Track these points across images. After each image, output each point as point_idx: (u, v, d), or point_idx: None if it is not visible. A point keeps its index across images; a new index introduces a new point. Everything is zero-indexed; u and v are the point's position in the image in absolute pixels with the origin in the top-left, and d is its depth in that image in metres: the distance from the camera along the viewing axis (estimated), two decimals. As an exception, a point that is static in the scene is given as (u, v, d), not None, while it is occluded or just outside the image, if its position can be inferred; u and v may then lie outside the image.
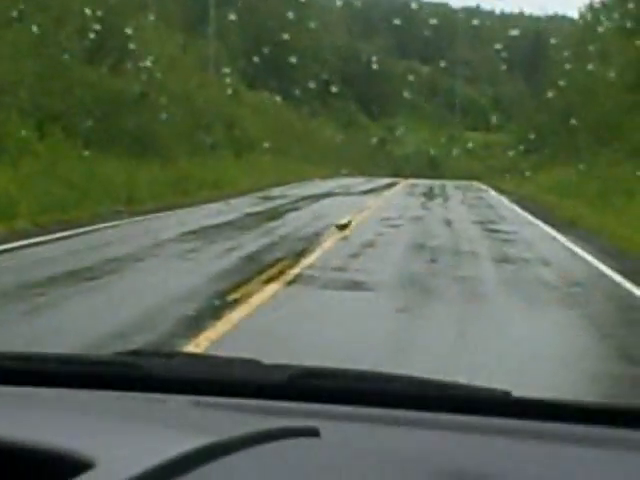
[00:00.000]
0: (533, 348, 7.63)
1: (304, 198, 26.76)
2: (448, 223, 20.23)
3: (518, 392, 1.81)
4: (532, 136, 44.23)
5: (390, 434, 1.67)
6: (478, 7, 72.48)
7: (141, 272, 11.15)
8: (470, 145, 60.18)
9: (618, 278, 11.77)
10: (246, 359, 1.94)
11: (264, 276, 10.57)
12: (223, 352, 6.46)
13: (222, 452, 1.33)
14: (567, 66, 39.94)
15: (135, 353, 2.04)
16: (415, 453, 1.55)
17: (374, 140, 59.52)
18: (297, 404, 1.76)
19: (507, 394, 1.76)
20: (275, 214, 20.62)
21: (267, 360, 1.95)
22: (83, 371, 1.92)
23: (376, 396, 1.81)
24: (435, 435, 1.68)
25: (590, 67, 35.23)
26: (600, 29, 37.87)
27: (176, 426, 1.52)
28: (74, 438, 1.34)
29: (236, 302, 8.94)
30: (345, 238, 15.23)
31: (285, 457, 1.41)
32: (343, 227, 16.04)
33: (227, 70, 41.82)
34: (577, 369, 7.21)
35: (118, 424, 1.51)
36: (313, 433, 1.51)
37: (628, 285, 11.23)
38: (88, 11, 27.44)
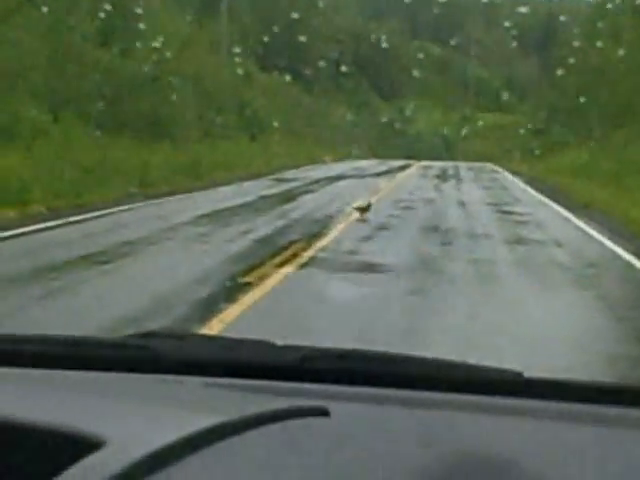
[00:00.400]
0: (546, 329, 7.64)
1: (317, 181, 26.74)
2: (462, 204, 20.18)
3: (530, 373, 1.82)
4: (544, 116, 44.02)
5: (400, 415, 1.68)
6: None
7: (155, 255, 11.18)
8: (481, 124, 59.96)
9: (631, 259, 11.75)
10: (257, 340, 1.96)
11: (278, 259, 10.59)
12: (236, 334, 6.51)
13: (232, 432, 1.35)
14: (577, 44, 39.75)
15: (147, 335, 2.05)
16: (425, 434, 1.56)
17: (385, 120, 59.37)
18: (308, 385, 1.78)
19: (519, 374, 1.77)
20: (289, 196, 20.62)
21: (280, 341, 1.96)
22: (95, 354, 1.94)
23: (387, 377, 1.82)
24: (446, 416, 1.69)
25: (600, 45, 35.02)
26: (611, 6, 37.57)
27: (187, 407, 1.54)
28: (86, 419, 1.36)
29: (250, 285, 8.97)
30: (359, 220, 15.24)
31: (294, 436, 1.43)
32: (363, 210, 15.71)
33: (238, 51, 41.72)
34: (591, 350, 7.21)
35: (130, 405, 1.53)
36: (323, 413, 1.53)
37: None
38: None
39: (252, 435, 1.36)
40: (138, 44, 31.10)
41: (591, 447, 1.60)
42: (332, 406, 1.53)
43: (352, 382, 1.76)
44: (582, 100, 35.73)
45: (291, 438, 1.41)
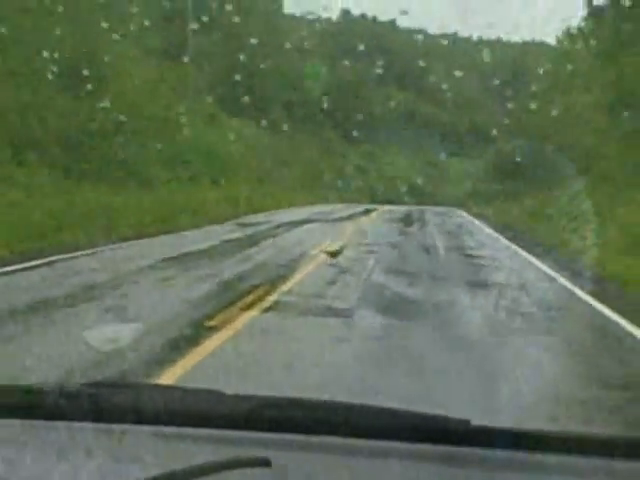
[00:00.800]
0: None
1: (282, 225, 26.78)
2: (426, 250, 20.29)
3: (478, 420, 1.82)
4: (508, 162, 44.43)
5: (344, 463, 1.70)
6: (456, 34, 72.72)
7: (118, 299, 11.12)
8: (447, 169, 60.32)
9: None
10: (209, 390, 1.96)
11: (241, 303, 10.58)
12: (195, 381, 6.47)
13: None
14: (540, 87, 40.25)
15: (97, 384, 2.05)
16: None
17: (353, 166, 59.60)
18: (256, 434, 1.79)
19: (466, 422, 1.78)
20: (254, 240, 20.62)
21: (238, 389, 1.97)
22: (42, 402, 1.93)
23: (333, 426, 1.83)
24: (390, 464, 1.70)
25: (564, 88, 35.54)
26: (577, 53, 38.25)
27: (130, 458, 1.54)
28: (25, 474, 1.36)
29: (213, 329, 8.95)
30: (330, 265, 15.26)
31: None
32: (334, 254, 15.73)
33: (207, 98, 41.83)
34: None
35: (77, 455, 1.54)
36: (264, 463, 1.54)
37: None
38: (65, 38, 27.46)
39: None
40: (106, 92, 31.09)
41: None
42: (276, 455, 1.54)
43: (298, 431, 1.77)
44: (547, 147, 36.15)
45: None
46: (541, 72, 48.32)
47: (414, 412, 1.87)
